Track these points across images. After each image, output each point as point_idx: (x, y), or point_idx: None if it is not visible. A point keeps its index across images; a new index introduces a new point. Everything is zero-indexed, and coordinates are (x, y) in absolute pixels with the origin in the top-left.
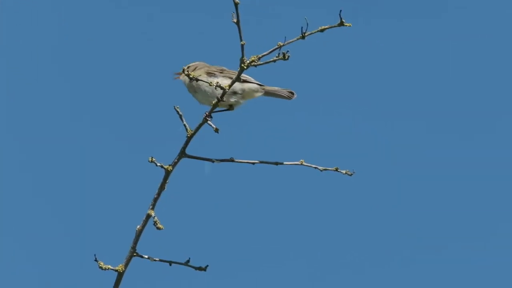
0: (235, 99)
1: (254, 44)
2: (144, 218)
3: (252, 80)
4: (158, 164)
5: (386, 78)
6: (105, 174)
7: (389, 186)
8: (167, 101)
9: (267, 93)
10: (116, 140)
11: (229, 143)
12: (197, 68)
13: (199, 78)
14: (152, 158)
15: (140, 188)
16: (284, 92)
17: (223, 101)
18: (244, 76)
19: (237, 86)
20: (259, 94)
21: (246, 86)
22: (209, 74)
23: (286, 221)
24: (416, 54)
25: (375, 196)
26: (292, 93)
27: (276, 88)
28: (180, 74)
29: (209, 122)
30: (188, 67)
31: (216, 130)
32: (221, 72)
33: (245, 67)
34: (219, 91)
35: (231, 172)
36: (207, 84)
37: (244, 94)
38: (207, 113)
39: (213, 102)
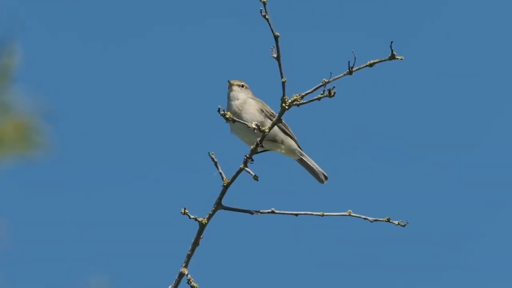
0: (274, 147)
1: (293, 79)
2: (176, 277)
3: (295, 139)
4: (192, 217)
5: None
6: (134, 229)
7: (446, 237)
8: (200, 143)
9: (301, 161)
10: (146, 188)
11: (269, 191)
12: (247, 96)
13: (236, 118)
14: (185, 210)
15: (172, 243)
16: (319, 172)
17: (262, 146)
18: (288, 129)
19: (279, 134)
20: (294, 157)
21: (287, 141)
22: (262, 113)
23: (333, 277)
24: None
25: (431, 248)
26: (326, 177)
27: (313, 162)
28: (233, 84)
29: (247, 169)
30: (239, 85)
31: (255, 178)
32: (272, 116)
33: (286, 107)
34: (258, 134)
35: (272, 224)
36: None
37: (283, 146)
38: (247, 156)
39: (252, 146)
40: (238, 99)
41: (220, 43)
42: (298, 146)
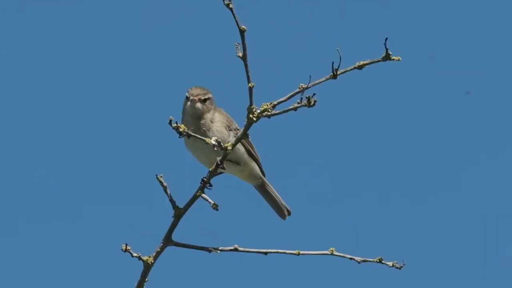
0: (235, 171)
1: (263, 84)
2: None
3: (259, 162)
4: (135, 255)
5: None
6: (64, 270)
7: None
8: (146, 163)
9: (262, 190)
10: (77, 221)
11: (232, 223)
12: (214, 110)
13: (192, 132)
14: (126, 246)
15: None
16: (282, 205)
17: (223, 168)
18: (253, 149)
19: (244, 155)
20: (254, 183)
21: (250, 164)
22: (229, 130)
23: None
24: None
25: None
26: (289, 213)
27: (276, 193)
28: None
29: (204, 195)
30: (201, 96)
31: (215, 207)
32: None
33: (254, 119)
34: (219, 152)
35: (236, 264)
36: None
37: (244, 170)
38: (204, 180)
39: (211, 168)
40: (203, 118)
41: (171, 38)
42: (262, 172)
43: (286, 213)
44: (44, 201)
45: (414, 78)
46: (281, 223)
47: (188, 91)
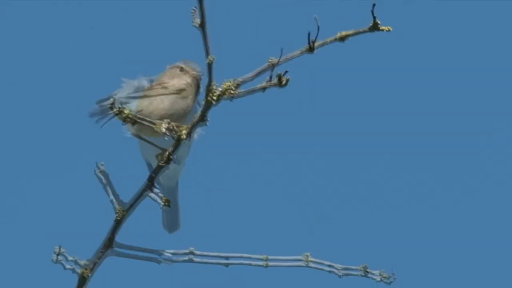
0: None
1: (224, 58)
2: None
3: None
4: (68, 267)
5: None
6: None
7: None
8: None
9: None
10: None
11: (187, 225)
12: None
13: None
14: (60, 249)
15: None
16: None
17: (174, 162)
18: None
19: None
20: (170, 184)
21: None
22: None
23: None
24: None
25: None
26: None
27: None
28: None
29: (153, 193)
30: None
31: (166, 204)
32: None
33: (213, 101)
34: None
35: (190, 275)
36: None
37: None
38: (153, 175)
39: (159, 161)
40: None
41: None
42: None
43: (176, 228)
44: None
45: (407, 52)
46: (245, 224)
47: (183, 65)
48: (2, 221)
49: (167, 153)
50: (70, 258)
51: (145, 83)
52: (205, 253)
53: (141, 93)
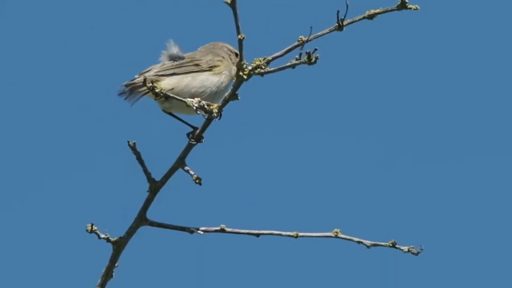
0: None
1: (255, 36)
2: None
3: None
4: (102, 236)
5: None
6: (21, 255)
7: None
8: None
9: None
10: (36, 198)
11: (218, 200)
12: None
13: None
14: (92, 227)
15: (74, 274)
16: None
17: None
18: None
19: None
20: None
21: None
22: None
23: None
24: None
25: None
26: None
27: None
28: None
29: (187, 168)
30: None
31: (197, 180)
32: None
33: (245, 77)
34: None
35: (222, 248)
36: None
37: None
38: (197, 132)
39: (190, 140)
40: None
41: None
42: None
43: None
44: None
45: (435, 30)
46: (276, 201)
47: (234, 51)
48: (45, 195)
49: (198, 131)
50: (102, 235)
51: (181, 55)
52: (236, 230)
53: (172, 71)
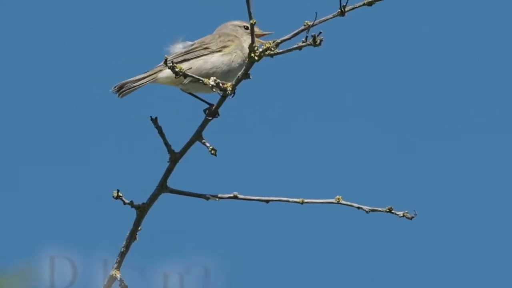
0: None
1: (265, 20)
2: (106, 282)
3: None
4: (127, 202)
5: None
6: (51, 216)
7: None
8: (134, 108)
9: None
10: (65, 167)
11: (231, 170)
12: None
13: (189, 72)
14: (118, 193)
15: (101, 237)
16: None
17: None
18: None
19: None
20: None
21: None
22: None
23: (312, 280)
24: None
25: (442, 248)
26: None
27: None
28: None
29: (203, 140)
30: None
31: (213, 152)
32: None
33: (256, 58)
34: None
35: (235, 213)
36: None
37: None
38: (212, 108)
39: (206, 115)
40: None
41: None
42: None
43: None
44: (31, 143)
45: (434, 15)
46: (284, 171)
47: (242, 24)
48: (73, 164)
49: (213, 108)
50: (126, 201)
51: (188, 43)
52: (247, 196)
53: (182, 57)
